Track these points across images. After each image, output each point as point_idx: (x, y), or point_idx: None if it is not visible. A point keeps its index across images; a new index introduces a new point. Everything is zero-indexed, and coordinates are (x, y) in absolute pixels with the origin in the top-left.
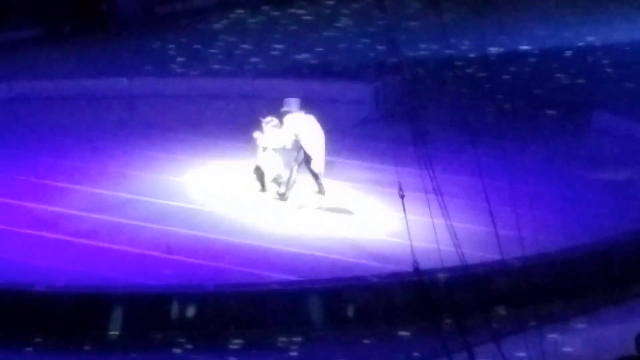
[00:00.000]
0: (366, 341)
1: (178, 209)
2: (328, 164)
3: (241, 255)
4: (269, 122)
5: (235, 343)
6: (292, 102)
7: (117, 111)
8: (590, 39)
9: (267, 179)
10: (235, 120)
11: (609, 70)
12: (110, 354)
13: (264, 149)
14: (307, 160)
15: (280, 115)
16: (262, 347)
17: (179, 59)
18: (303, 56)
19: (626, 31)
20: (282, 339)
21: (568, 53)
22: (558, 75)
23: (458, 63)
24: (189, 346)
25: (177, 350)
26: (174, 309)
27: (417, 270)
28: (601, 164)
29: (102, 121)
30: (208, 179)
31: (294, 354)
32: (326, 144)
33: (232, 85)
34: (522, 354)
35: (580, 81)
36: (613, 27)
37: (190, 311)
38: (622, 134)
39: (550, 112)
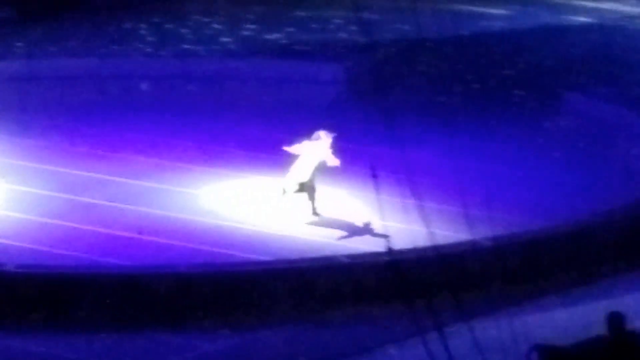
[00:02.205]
0: (336, 321)
1: (151, 189)
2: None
3: (208, 236)
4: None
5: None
6: None
7: (87, 92)
8: (563, 19)
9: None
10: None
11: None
12: (79, 335)
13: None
14: None
15: None
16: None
17: (149, 39)
18: (274, 36)
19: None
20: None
21: (539, 34)
22: (528, 56)
23: (429, 44)
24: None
25: (147, 332)
26: (145, 289)
27: (389, 251)
28: (575, 145)
29: (71, 101)
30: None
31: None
32: (297, 125)
33: (202, 65)
34: (493, 335)
35: (549, 62)
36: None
37: (162, 293)
38: (594, 115)
39: (519, 92)
